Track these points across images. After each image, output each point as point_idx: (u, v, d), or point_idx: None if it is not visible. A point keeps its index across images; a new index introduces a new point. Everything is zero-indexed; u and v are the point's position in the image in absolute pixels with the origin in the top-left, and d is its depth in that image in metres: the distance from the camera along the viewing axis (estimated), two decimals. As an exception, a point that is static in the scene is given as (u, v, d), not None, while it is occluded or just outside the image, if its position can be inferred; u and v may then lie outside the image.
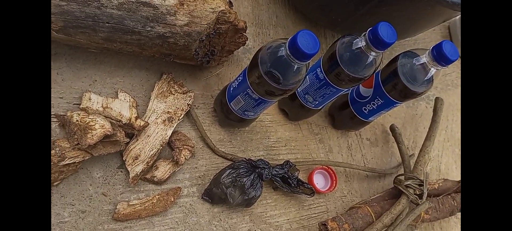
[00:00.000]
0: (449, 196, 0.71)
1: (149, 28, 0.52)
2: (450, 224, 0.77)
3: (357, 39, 0.54)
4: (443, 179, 0.74)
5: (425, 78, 0.59)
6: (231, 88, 0.57)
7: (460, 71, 0.96)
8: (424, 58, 0.58)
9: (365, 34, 0.53)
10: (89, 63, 0.56)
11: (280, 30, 0.75)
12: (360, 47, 0.53)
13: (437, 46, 0.55)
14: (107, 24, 0.50)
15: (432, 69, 0.58)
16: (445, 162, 0.83)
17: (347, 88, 0.59)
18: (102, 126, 0.50)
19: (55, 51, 0.55)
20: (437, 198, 0.70)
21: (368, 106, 0.66)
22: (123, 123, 0.53)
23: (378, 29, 0.51)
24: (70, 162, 0.49)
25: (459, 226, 0.78)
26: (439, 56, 0.55)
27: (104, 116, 0.52)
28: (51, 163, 0.48)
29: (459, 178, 0.82)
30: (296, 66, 0.48)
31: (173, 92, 0.59)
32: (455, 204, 0.71)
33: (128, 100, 0.56)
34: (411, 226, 0.71)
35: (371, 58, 0.54)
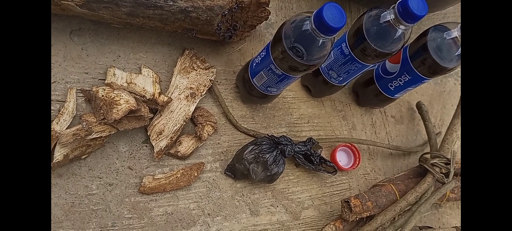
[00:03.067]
0: (477, 176, 0.69)
1: (171, 3, 0.52)
2: (476, 204, 0.75)
3: (385, 12, 0.52)
4: (471, 158, 0.72)
5: (456, 53, 0.56)
6: (254, 64, 0.56)
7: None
8: (456, 32, 0.55)
9: (394, 6, 0.50)
10: (112, 39, 0.57)
11: (303, 3, 0.73)
12: (388, 20, 0.51)
13: (470, 19, 0.53)
14: (129, -1, 0.50)
15: (464, 43, 0.55)
16: (473, 141, 0.80)
17: (373, 64, 0.57)
18: (127, 101, 0.50)
19: (79, 27, 0.55)
20: (464, 177, 0.68)
21: (395, 82, 0.64)
22: (147, 98, 0.53)
23: (408, 1, 0.48)
24: (97, 136, 0.50)
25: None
26: (473, 30, 0.52)
27: (129, 91, 0.53)
28: (78, 137, 0.49)
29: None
30: (321, 41, 0.47)
31: (195, 68, 0.59)
32: (483, 184, 0.69)
33: (151, 76, 0.56)
34: (436, 204, 0.70)
35: (399, 32, 0.52)
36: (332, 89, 0.66)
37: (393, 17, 0.51)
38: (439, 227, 0.67)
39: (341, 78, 0.61)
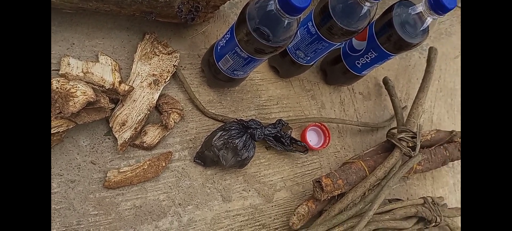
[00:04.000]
0: (441, 147, 0.71)
1: (126, -15, 0.48)
2: (441, 173, 0.78)
3: (351, -11, 0.51)
4: (436, 130, 0.74)
5: (421, 29, 0.56)
6: (219, 47, 0.54)
7: (454, 19, 0.93)
8: (420, 7, 0.55)
9: (359, -17, 0.50)
10: (65, 26, 0.53)
11: (268, -19, 0.71)
12: (354, -3, 0.50)
13: (434, -6, 0.53)
14: (80, -18, 0.46)
15: (428, 18, 0.55)
16: (437, 113, 0.83)
17: (340, 42, 0.56)
18: (84, 93, 0.47)
19: (26, 14, 0.51)
20: (430, 149, 0.70)
21: (361, 60, 0.64)
22: (106, 88, 0.50)
23: (372, -23, 0.47)
24: (54, 131, 0.47)
25: (450, 175, 0.79)
26: (436, 5, 0.53)
27: (85, 82, 0.49)
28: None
29: (451, 128, 0.82)
30: (286, 21, 0.46)
31: (157, 53, 0.56)
32: (447, 154, 0.71)
33: (110, 64, 0.53)
34: (404, 177, 0.72)
35: (365, 9, 0.51)
36: (300, 69, 0.65)
37: (359, -7, 0.50)
38: (408, 198, 0.69)
39: (309, 57, 0.60)
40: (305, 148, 0.62)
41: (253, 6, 0.47)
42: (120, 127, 0.52)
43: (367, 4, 0.50)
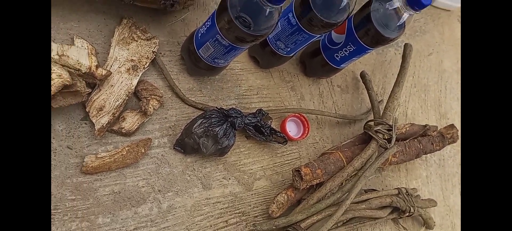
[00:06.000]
0: (415, 140, 0.74)
1: (106, -33, 0.47)
2: (415, 165, 0.80)
3: (331, -19, 0.52)
4: (410, 123, 0.76)
5: (398, 24, 0.58)
6: (199, 35, 0.54)
7: (428, 17, 0.96)
8: (397, 3, 0.57)
9: (339, -26, 0.51)
10: (40, 7, 0.51)
11: (249, -28, 0.71)
12: (334, -11, 0.51)
13: (410, -10, 0.54)
14: (57, -39, 0.45)
15: (405, 14, 0.57)
16: (412, 107, 0.85)
17: (320, 34, 0.57)
18: (60, 75, 0.46)
19: (-1, -7, 0.49)
20: (404, 142, 0.72)
21: (340, 53, 0.65)
22: (83, 72, 0.49)
23: (352, -32, 0.48)
24: (27, 115, 0.45)
25: (423, 167, 0.82)
26: (412, 1, 0.54)
27: (61, 65, 0.48)
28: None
29: (424, 122, 0.85)
30: (268, 10, 0.46)
31: (135, 39, 0.55)
32: (421, 147, 0.73)
33: (86, 48, 0.52)
34: (380, 168, 0.73)
35: (344, 2, 0.53)
36: (280, 60, 0.65)
37: (339, -15, 0.51)
38: (383, 189, 0.71)
39: (289, 49, 0.61)
40: (285, 139, 0.63)
41: (235, -7, 0.47)
42: (98, 112, 0.50)
43: (347, -4, 0.51)
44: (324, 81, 0.74)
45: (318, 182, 0.61)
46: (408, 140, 0.73)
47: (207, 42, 0.52)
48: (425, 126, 0.76)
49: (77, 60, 0.49)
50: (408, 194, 0.70)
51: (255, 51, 0.66)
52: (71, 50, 0.50)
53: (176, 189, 0.54)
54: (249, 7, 0.46)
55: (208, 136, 0.55)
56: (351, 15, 0.60)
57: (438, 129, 0.80)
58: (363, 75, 0.76)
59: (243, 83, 0.65)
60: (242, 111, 0.59)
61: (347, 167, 0.63)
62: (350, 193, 0.61)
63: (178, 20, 0.61)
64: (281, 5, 0.46)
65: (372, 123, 0.68)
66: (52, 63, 0.47)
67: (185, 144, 0.55)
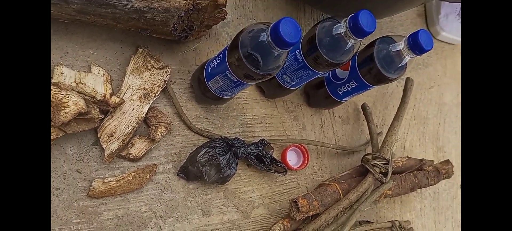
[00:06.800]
0: (411, 174, 0.76)
1: (125, 2, 0.50)
2: (409, 198, 0.82)
3: (338, 25, 0.54)
4: (407, 157, 0.78)
5: (400, 65, 0.60)
6: (210, 68, 0.56)
7: (432, 51, 0.99)
8: (400, 46, 0.59)
9: (346, 20, 0.53)
10: (60, 34, 0.54)
11: (259, 3, 0.74)
12: (340, 33, 0.54)
13: (413, 35, 0.57)
14: (79, -4, 0.48)
15: (406, 57, 0.59)
16: (410, 140, 0.87)
17: (325, 72, 0.60)
18: (76, 103, 0.48)
19: (21, 19, 0.51)
20: (400, 175, 0.75)
21: (343, 88, 0.67)
22: (98, 99, 0.52)
23: (359, 17, 0.51)
24: (42, 139, 0.48)
25: (417, 200, 0.84)
26: (415, 45, 0.57)
27: (77, 92, 0.51)
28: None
29: (421, 156, 0.87)
30: (276, 53, 0.48)
31: (149, 68, 0.58)
32: (416, 181, 0.76)
33: (102, 75, 0.54)
34: (375, 200, 0.76)
35: (350, 44, 0.55)
36: (285, 92, 0.68)
37: (344, 30, 0.53)
38: (377, 220, 0.73)
39: (294, 82, 0.63)
40: (285, 169, 0.65)
41: (247, 35, 0.49)
42: (108, 138, 0.53)
43: (352, 40, 0.54)
44: (326, 112, 0.77)
45: (314, 213, 0.63)
46: (404, 174, 0.75)
47: (217, 76, 0.55)
48: (421, 160, 0.79)
49: (93, 88, 0.51)
50: (402, 227, 0.72)
51: (261, 82, 0.68)
52: (87, 78, 0.52)
53: (177, 215, 0.57)
54: (259, 48, 0.49)
55: (211, 164, 0.57)
56: (355, 54, 0.62)
57: (434, 163, 0.82)
58: (364, 107, 0.78)
59: (248, 112, 0.67)
60: (245, 141, 0.61)
61: (343, 200, 0.65)
62: (345, 225, 0.63)
63: (190, 49, 0.63)
64: (289, 49, 0.49)
65: (369, 156, 0.70)
66: (69, 90, 0.50)
67: (189, 171, 0.58)
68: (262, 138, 0.64)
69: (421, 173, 0.77)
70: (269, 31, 0.46)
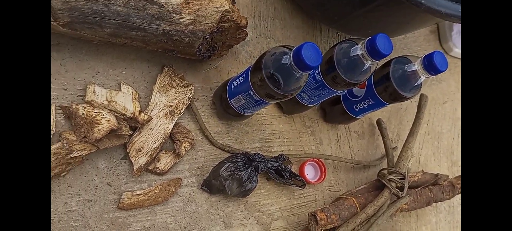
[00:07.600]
0: (427, 188, 0.77)
1: (154, 26, 0.53)
2: (425, 212, 0.83)
3: (355, 47, 0.57)
4: (422, 171, 0.80)
5: (415, 84, 0.62)
6: (233, 86, 0.59)
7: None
8: (415, 66, 0.61)
9: (364, 42, 0.55)
10: (91, 54, 0.57)
11: (277, 22, 0.76)
12: (358, 54, 0.56)
13: (428, 57, 0.59)
14: (113, 21, 0.51)
15: (422, 77, 0.61)
16: (425, 154, 0.89)
17: (342, 91, 0.62)
18: (108, 121, 0.51)
19: (57, 42, 0.55)
20: (416, 189, 0.76)
21: (359, 105, 0.69)
22: (127, 116, 0.55)
23: (376, 40, 0.53)
24: (78, 155, 0.51)
25: (433, 213, 0.85)
26: (430, 66, 0.59)
27: (109, 110, 0.54)
28: (59, 156, 0.50)
29: (435, 170, 0.88)
30: (298, 75, 0.51)
31: (174, 86, 0.61)
32: (431, 196, 0.77)
33: (131, 93, 0.57)
34: (392, 215, 0.77)
35: (367, 65, 0.57)
36: (303, 108, 0.70)
37: (362, 52, 0.55)
38: (392, 234, 0.75)
39: (312, 100, 0.66)
40: (303, 183, 0.67)
41: (269, 57, 0.52)
42: (137, 153, 0.56)
43: (369, 62, 0.56)
44: (342, 127, 0.79)
45: (332, 226, 0.64)
46: (419, 188, 0.77)
47: (240, 95, 0.57)
48: (437, 174, 0.80)
49: (124, 106, 0.54)
50: (417, 241, 0.73)
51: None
52: (118, 96, 0.55)
53: (200, 226, 0.59)
54: (281, 70, 0.51)
55: (233, 179, 0.59)
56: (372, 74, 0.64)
57: (449, 177, 0.83)
58: (379, 122, 0.80)
59: (267, 128, 0.70)
60: (265, 156, 0.64)
61: (360, 213, 0.66)
62: (362, 239, 0.64)
63: (212, 67, 0.66)
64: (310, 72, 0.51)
65: (385, 171, 0.72)
66: (101, 108, 0.53)
67: (212, 185, 0.60)
68: (281, 152, 0.66)
69: (437, 188, 0.78)
70: (291, 54, 0.49)
